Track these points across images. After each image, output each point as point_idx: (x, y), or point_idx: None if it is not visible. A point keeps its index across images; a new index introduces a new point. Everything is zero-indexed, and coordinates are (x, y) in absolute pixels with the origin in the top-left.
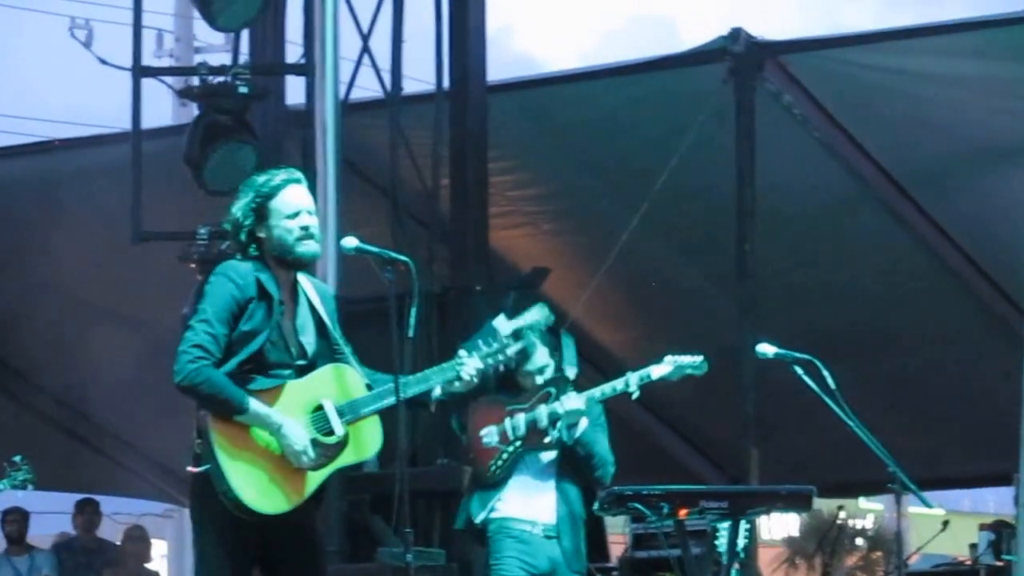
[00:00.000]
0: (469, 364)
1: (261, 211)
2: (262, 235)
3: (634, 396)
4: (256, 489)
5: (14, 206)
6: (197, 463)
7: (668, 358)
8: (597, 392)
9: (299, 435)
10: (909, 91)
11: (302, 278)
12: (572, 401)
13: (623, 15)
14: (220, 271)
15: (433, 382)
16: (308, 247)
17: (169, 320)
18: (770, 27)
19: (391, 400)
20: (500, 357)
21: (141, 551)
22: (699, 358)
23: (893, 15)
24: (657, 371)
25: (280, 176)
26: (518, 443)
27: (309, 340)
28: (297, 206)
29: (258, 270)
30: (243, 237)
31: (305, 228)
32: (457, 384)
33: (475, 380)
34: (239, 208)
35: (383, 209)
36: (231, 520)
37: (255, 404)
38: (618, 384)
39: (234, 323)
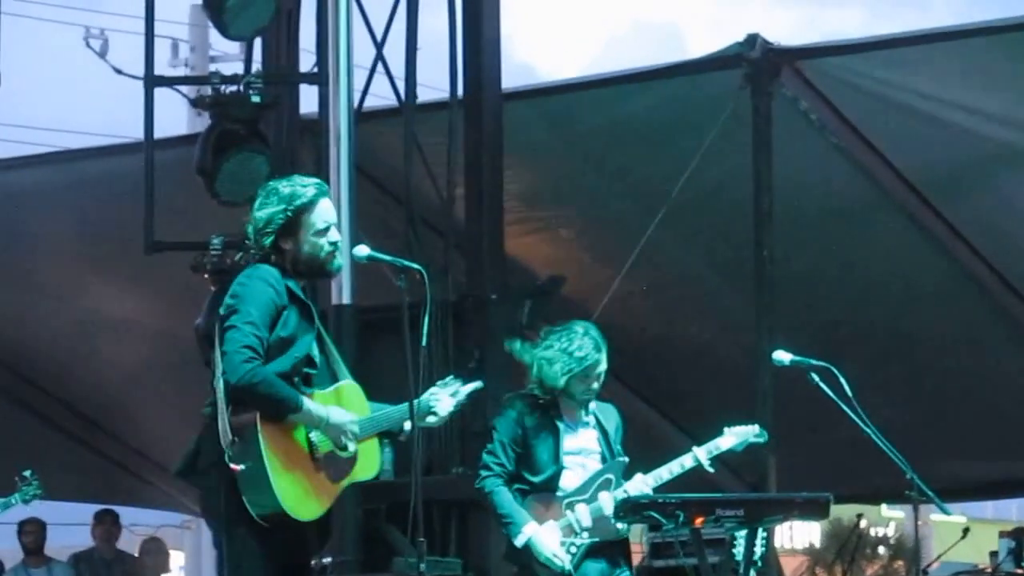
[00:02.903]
0: (443, 403)
1: (293, 224)
2: (287, 246)
3: (711, 470)
4: (295, 494)
5: (28, 216)
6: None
7: (729, 430)
8: (666, 473)
9: (348, 416)
10: (926, 95)
11: None
12: (638, 485)
13: (626, 23)
14: (255, 275)
15: (397, 421)
16: (337, 262)
17: (183, 331)
18: (773, 33)
19: (395, 423)
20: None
21: (159, 563)
22: (756, 427)
23: (879, 23)
24: (725, 443)
25: (312, 189)
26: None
27: (315, 351)
28: (328, 221)
29: (285, 276)
30: (267, 243)
31: (335, 244)
32: (431, 419)
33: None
34: (267, 215)
35: (398, 217)
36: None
37: (307, 401)
38: (686, 461)
39: (271, 329)
